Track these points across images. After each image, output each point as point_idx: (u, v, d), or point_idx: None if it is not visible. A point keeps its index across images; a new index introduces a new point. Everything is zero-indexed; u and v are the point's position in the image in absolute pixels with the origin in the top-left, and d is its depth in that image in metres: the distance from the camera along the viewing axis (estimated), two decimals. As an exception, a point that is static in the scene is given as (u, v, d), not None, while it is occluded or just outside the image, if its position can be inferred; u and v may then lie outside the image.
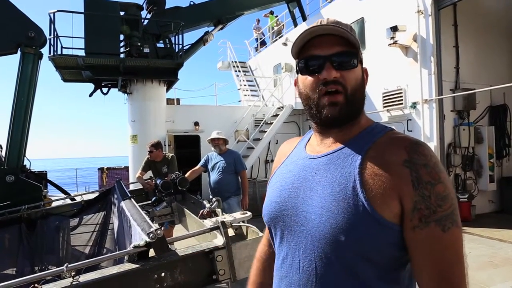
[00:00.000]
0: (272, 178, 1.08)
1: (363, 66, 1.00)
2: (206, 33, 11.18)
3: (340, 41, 0.92)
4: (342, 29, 0.91)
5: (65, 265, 1.58)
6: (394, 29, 7.69)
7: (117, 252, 2.07)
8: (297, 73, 1.00)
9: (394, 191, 0.82)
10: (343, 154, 0.91)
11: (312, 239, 0.88)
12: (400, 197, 0.82)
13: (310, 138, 1.07)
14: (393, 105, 8.20)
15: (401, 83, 8.05)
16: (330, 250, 0.85)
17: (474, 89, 7.39)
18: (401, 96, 8.00)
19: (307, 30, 0.93)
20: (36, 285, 1.51)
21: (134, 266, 1.70)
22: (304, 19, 12.38)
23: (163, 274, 1.72)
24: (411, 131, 7.80)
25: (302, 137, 1.12)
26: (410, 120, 7.90)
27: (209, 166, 5.16)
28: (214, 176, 5.06)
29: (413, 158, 0.83)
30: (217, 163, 5.07)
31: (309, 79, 0.95)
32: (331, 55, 0.91)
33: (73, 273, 1.59)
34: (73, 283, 1.56)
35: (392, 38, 7.77)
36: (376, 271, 0.84)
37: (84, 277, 1.62)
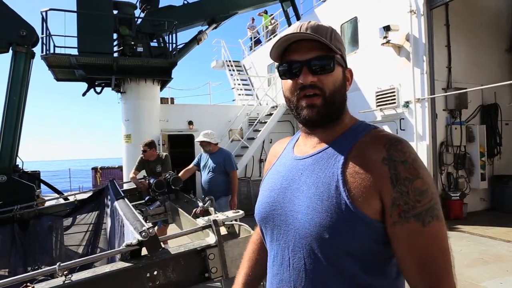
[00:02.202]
0: (264, 179, 1.12)
1: (348, 67, 1.02)
2: (200, 32, 11.16)
3: (318, 46, 0.94)
4: (314, 35, 0.93)
5: (58, 264, 1.58)
6: (387, 28, 7.73)
7: (110, 251, 2.07)
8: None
9: (374, 189, 0.85)
10: (327, 155, 0.94)
11: (300, 237, 0.91)
12: (380, 195, 0.84)
13: (298, 138, 1.10)
14: (386, 104, 8.24)
15: (394, 82, 8.10)
16: (316, 247, 0.88)
17: (466, 89, 7.46)
18: (394, 95, 8.05)
19: (283, 37, 0.95)
20: (28, 284, 1.51)
21: (126, 264, 1.71)
22: (298, 18, 12.39)
23: (155, 272, 1.72)
24: (404, 130, 7.86)
25: (292, 138, 1.15)
26: (403, 119, 7.96)
27: (201, 166, 5.17)
28: (204, 175, 5.06)
29: (392, 155, 0.86)
30: (207, 162, 5.07)
31: (289, 82, 0.98)
32: (308, 60, 0.94)
33: (65, 272, 1.59)
34: (66, 282, 1.56)
35: (385, 37, 7.81)
36: (361, 266, 0.87)
37: (77, 276, 1.62)
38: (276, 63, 1.01)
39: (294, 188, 0.96)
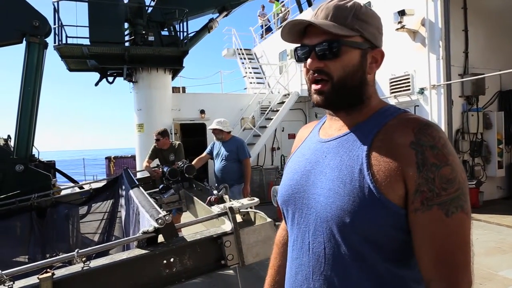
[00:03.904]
0: (288, 162, 1.11)
1: (378, 47, 0.99)
2: (211, 20, 11.07)
3: (328, 30, 0.91)
4: (308, 21, 0.91)
5: (76, 250, 1.61)
6: (402, 13, 7.55)
7: (127, 238, 2.09)
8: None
9: (399, 173, 0.81)
10: (352, 137, 0.92)
11: (321, 220, 0.89)
12: (405, 180, 0.81)
13: (324, 122, 1.08)
14: (400, 91, 8.10)
15: (408, 69, 7.94)
16: (337, 231, 0.86)
17: (484, 74, 7.26)
18: (409, 82, 7.90)
19: (286, 24, 0.94)
20: (48, 270, 1.53)
21: (143, 251, 1.72)
22: (310, 4, 12.19)
23: (172, 259, 1.73)
24: (418, 117, 7.72)
25: (318, 121, 1.14)
26: (418, 106, 7.82)
27: (214, 154, 5.18)
28: (217, 164, 5.08)
29: (420, 139, 0.82)
30: (220, 150, 5.08)
31: (304, 65, 0.98)
32: (314, 46, 0.92)
33: (83, 259, 1.61)
34: (84, 268, 1.58)
35: (400, 22, 7.63)
36: (383, 254, 0.84)
37: (95, 263, 1.64)
38: (290, 49, 1.02)
39: (318, 171, 0.94)
